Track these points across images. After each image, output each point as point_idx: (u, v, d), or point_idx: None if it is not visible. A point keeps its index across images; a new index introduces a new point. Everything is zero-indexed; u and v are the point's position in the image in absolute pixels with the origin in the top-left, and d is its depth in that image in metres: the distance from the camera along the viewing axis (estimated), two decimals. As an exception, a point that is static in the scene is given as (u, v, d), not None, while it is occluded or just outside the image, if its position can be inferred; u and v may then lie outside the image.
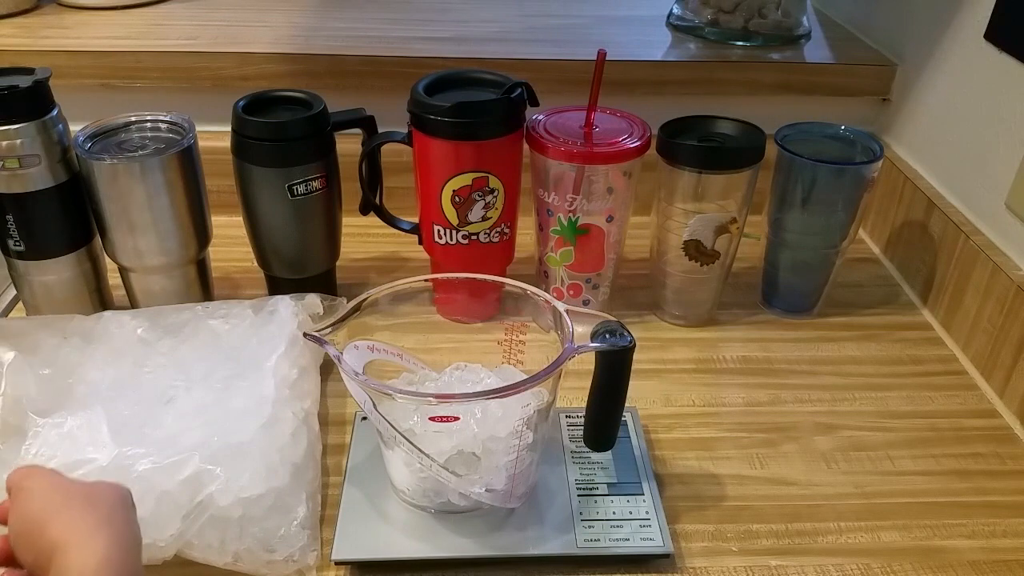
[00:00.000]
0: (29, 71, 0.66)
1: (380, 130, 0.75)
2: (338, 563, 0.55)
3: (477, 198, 0.72)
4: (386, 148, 0.75)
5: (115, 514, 0.43)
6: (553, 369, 0.52)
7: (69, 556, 0.39)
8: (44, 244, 0.69)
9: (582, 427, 0.59)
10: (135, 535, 0.43)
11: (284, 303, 0.69)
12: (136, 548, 0.43)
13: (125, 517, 0.43)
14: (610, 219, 0.73)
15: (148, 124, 0.72)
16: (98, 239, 0.72)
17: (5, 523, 0.44)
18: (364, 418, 0.64)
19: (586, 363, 0.55)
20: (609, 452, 0.61)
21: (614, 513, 0.58)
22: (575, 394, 0.64)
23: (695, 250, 0.75)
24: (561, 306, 0.55)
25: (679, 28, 1.03)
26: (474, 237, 0.75)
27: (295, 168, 0.70)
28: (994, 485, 0.64)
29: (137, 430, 0.55)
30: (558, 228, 0.74)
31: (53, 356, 0.62)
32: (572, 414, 0.65)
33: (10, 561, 0.43)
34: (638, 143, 0.71)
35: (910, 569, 0.57)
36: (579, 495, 0.59)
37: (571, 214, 0.73)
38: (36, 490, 0.43)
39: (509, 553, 0.55)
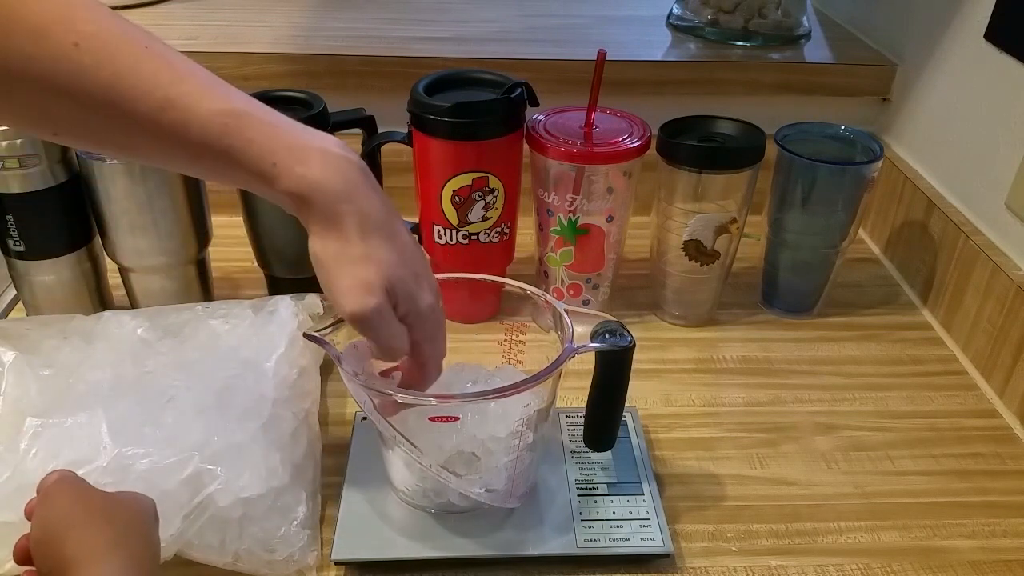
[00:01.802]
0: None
1: (380, 130, 0.75)
2: (338, 563, 0.55)
3: (477, 198, 0.72)
4: (386, 148, 0.75)
5: (133, 531, 0.43)
6: (553, 369, 0.52)
7: (81, 575, 0.39)
8: (44, 244, 0.69)
9: (582, 427, 0.59)
10: (152, 552, 0.44)
11: (284, 303, 0.69)
12: (152, 564, 0.43)
13: (144, 534, 0.44)
14: (610, 219, 0.73)
15: (148, 124, 0.72)
16: (98, 239, 0.72)
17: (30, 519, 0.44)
18: (364, 418, 0.64)
19: (586, 363, 0.55)
20: (609, 452, 0.61)
21: (614, 513, 0.58)
22: (575, 394, 0.64)
23: (695, 250, 0.75)
24: (561, 306, 0.55)
25: (679, 28, 1.03)
26: (474, 237, 0.75)
27: (295, 168, 0.70)
28: (994, 485, 0.64)
29: (137, 430, 0.55)
30: (558, 228, 0.74)
31: (53, 356, 0.62)
32: (572, 414, 0.65)
33: (30, 560, 0.43)
34: (638, 143, 0.71)
35: (910, 569, 0.57)
36: (579, 495, 0.59)
37: (571, 214, 0.73)
38: (59, 500, 0.44)
39: (509, 553, 0.55)
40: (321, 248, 0.46)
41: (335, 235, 0.45)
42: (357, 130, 0.75)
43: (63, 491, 0.44)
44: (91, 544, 0.41)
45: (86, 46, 0.40)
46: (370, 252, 0.45)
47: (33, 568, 0.43)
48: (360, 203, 0.45)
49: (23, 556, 0.44)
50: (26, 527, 0.44)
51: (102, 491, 0.45)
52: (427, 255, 0.51)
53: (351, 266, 0.45)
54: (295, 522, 0.54)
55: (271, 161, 0.43)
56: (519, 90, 0.71)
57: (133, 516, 0.44)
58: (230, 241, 0.79)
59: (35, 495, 0.46)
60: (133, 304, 0.75)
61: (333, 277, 0.46)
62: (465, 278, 0.63)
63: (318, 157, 0.44)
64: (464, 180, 0.71)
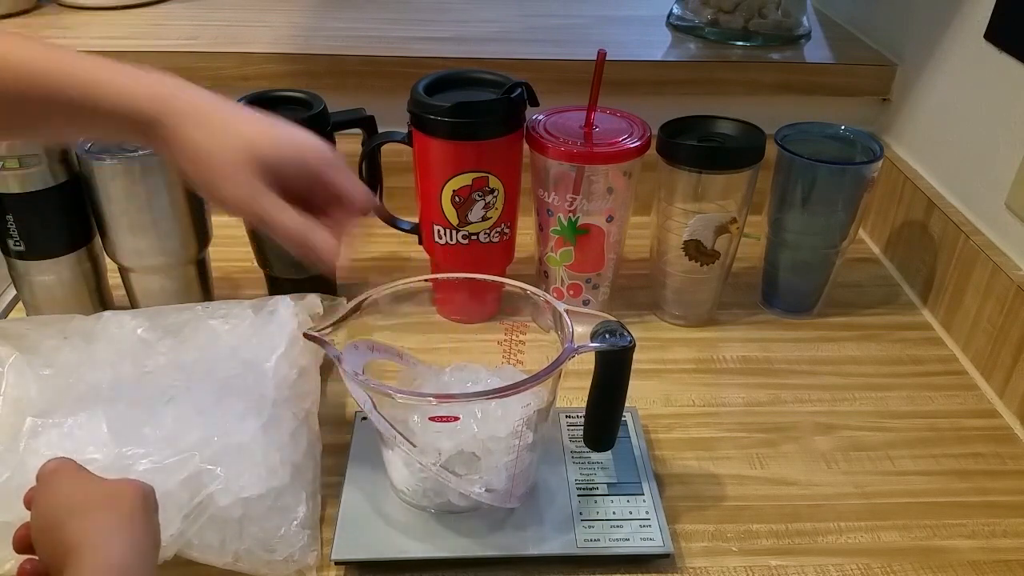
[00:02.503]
0: (29, 71, 0.66)
1: (380, 130, 0.75)
2: (338, 563, 0.55)
3: (477, 198, 0.72)
4: (386, 148, 0.75)
5: (134, 516, 0.43)
6: (553, 369, 0.52)
7: (84, 559, 0.39)
8: (44, 244, 0.69)
9: (582, 427, 0.59)
10: (153, 538, 0.44)
11: (284, 303, 0.69)
12: (153, 551, 0.43)
13: (145, 519, 0.44)
14: (610, 219, 0.73)
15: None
16: (98, 239, 0.72)
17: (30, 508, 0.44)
18: (364, 418, 0.64)
19: (586, 363, 0.55)
20: (609, 452, 0.61)
21: (614, 513, 0.58)
22: (575, 394, 0.64)
23: (695, 250, 0.75)
24: (561, 306, 0.55)
25: (679, 28, 1.03)
26: (474, 237, 0.75)
27: (295, 168, 0.70)
28: (994, 485, 0.64)
29: (137, 430, 0.55)
30: (558, 228, 0.74)
31: (53, 356, 0.62)
32: (572, 414, 0.65)
33: (31, 549, 0.43)
34: (638, 143, 0.71)
35: (910, 569, 0.57)
36: (579, 495, 0.59)
37: (571, 214, 0.73)
38: (59, 486, 0.44)
39: (509, 553, 0.55)
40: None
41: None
42: (357, 130, 0.75)
43: (62, 478, 0.44)
44: (92, 530, 0.41)
45: None
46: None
47: (34, 556, 0.43)
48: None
49: (23, 544, 0.44)
50: None
51: (101, 478, 0.45)
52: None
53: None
54: (295, 522, 0.54)
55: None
56: (519, 90, 0.71)
57: (134, 502, 0.44)
58: (230, 241, 0.79)
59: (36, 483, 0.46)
60: (133, 304, 0.75)
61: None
62: (465, 278, 0.63)
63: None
64: (464, 180, 0.71)
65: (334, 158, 0.51)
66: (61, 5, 1.02)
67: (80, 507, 0.42)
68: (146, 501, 0.45)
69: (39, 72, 0.46)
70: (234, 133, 0.47)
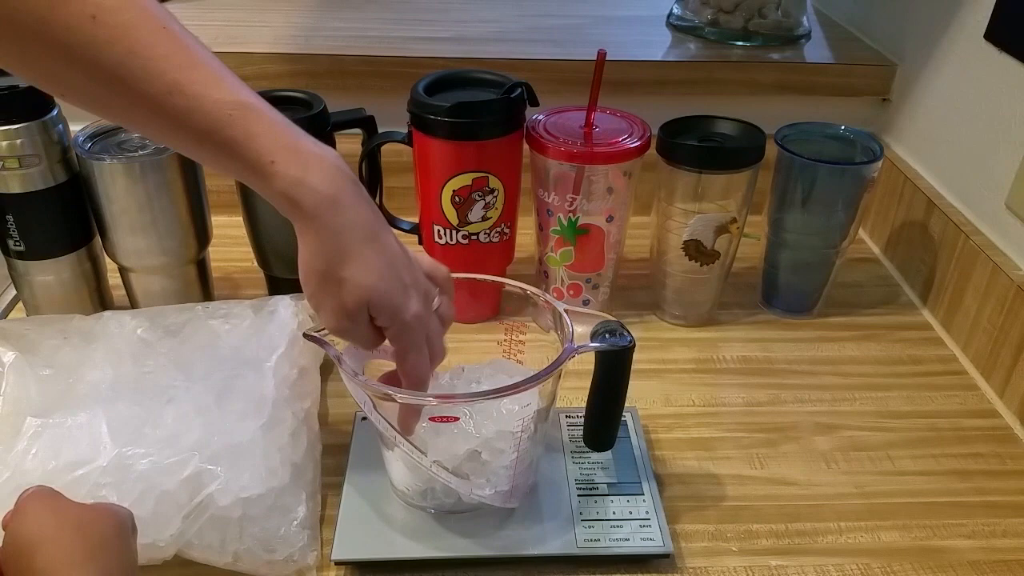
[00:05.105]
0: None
1: (380, 130, 0.75)
2: (338, 563, 0.55)
3: (477, 198, 0.72)
4: (386, 148, 0.75)
5: (108, 543, 0.42)
6: (553, 369, 0.52)
7: None
8: (44, 244, 0.69)
9: (582, 427, 0.59)
10: (128, 565, 0.43)
11: (284, 303, 0.69)
12: None
13: (119, 546, 0.43)
14: (610, 219, 0.73)
15: (148, 124, 0.72)
16: (98, 239, 0.72)
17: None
18: (364, 418, 0.64)
19: (586, 363, 0.55)
20: (609, 452, 0.61)
21: (614, 513, 0.58)
22: (575, 394, 0.64)
23: (695, 250, 0.75)
24: (561, 306, 0.55)
25: (679, 28, 1.03)
26: (474, 237, 0.75)
27: (295, 168, 0.70)
28: (994, 485, 0.64)
29: (137, 430, 0.55)
30: (558, 228, 0.74)
31: (53, 356, 0.62)
32: (572, 414, 0.65)
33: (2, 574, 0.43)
34: (638, 143, 0.71)
35: (910, 569, 0.57)
36: (579, 495, 0.59)
37: (571, 214, 0.73)
38: (31, 514, 0.43)
39: (509, 553, 0.55)
40: (307, 263, 0.47)
41: (320, 250, 0.46)
42: (357, 130, 0.75)
43: (35, 505, 0.44)
44: (61, 558, 0.40)
45: (103, 19, 0.40)
46: (351, 275, 0.46)
47: None
48: (348, 213, 0.46)
49: None
50: None
51: (76, 504, 0.45)
52: (420, 259, 0.52)
53: (332, 289, 0.47)
54: (295, 522, 0.54)
55: (270, 159, 0.44)
56: (519, 90, 0.71)
57: (107, 529, 0.43)
58: (230, 241, 0.79)
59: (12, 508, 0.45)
60: (133, 304, 0.75)
61: (316, 297, 0.48)
62: (465, 278, 0.63)
63: (315, 163, 0.45)
64: (464, 180, 0.71)
65: (416, 332, 0.49)
66: (61, 5, 1.02)
67: (50, 535, 0.42)
68: (121, 527, 0.44)
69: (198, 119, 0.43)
70: (351, 284, 0.47)
